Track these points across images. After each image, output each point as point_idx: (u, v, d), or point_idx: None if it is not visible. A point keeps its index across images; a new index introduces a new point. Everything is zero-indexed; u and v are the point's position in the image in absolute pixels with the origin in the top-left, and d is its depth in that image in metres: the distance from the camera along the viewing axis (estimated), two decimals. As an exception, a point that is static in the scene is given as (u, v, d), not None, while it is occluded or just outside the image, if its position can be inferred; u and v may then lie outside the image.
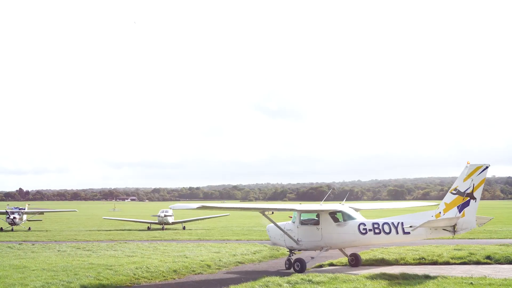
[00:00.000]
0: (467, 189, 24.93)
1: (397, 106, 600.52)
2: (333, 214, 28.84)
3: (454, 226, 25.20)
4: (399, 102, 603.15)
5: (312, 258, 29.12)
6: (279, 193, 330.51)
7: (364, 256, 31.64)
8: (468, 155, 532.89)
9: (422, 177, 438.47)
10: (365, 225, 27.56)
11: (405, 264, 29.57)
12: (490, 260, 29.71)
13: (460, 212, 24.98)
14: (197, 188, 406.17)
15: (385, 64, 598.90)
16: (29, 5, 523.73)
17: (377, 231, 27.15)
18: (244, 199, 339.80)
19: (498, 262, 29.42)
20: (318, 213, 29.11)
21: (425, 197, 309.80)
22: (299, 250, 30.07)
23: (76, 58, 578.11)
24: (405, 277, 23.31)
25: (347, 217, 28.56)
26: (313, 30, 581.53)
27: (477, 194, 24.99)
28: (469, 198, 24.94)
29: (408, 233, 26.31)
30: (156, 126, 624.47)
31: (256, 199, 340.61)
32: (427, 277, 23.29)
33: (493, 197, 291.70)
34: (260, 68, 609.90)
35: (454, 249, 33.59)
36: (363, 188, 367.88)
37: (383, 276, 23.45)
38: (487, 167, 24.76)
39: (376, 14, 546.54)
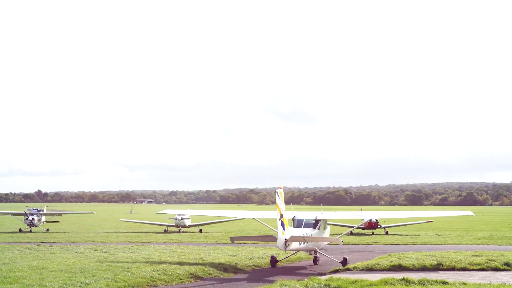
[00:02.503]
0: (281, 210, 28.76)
1: (414, 110, 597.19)
2: (293, 220, 33.02)
3: (286, 243, 28.45)
4: (417, 106, 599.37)
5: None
6: (295, 197, 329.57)
7: (382, 261, 31.52)
8: (486, 161, 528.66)
9: (440, 182, 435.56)
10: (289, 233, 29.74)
11: (423, 269, 29.33)
12: (509, 266, 29.38)
13: (284, 230, 28.45)
14: (214, 191, 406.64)
15: (402, 69, 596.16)
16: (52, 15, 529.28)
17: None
18: (261, 202, 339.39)
19: (517, 269, 29.08)
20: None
21: (443, 202, 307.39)
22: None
23: (93, 61, 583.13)
24: (422, 282, 23.12)
25: (296, 224, 32.68)
26: (326, 33, 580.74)
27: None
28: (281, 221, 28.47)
29: (289, 244, 29.07)
30: (172, 129, 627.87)
31: (273, 203, 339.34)
32: (445, 283, 23.05)
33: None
34: (273, 71, 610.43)
35: (473, 255, 33.28)
36: (380, 192, 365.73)
37: (400, 282, 23.29)
38: (277, 193, 29.18)
39: (392, 16, 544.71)
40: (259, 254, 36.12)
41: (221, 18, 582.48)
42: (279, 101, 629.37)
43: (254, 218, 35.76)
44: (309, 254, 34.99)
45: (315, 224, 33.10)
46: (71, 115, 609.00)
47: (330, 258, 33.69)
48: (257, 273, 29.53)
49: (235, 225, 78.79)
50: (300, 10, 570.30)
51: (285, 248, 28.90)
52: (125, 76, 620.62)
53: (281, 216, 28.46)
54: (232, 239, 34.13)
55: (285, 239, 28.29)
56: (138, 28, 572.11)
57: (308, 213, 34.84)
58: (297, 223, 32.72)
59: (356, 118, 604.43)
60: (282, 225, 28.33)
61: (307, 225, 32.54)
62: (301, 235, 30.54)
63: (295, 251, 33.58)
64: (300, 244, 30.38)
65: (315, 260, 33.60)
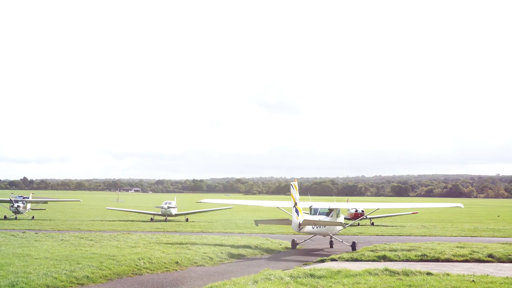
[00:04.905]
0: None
1: (401, 102, 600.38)
2: (310, 209, 38.09)
3: (300, 226, 33.89)
4: (403, 98, 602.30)
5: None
6: (282, 187, 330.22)
7: (366, 251, 31.75)
8: (472, 153, 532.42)
9: (426, 174, 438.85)
10: (302, 217, 34.68)
11: (407, 260, 29.52)
12: (492, 258, 29.66)
13: (298, 216, 33.97)
14: (201, 181, 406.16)
15: (389, 61, 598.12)
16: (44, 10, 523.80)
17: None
18: (248, 192, 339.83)
19: (500, 260, 29.39)
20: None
21: (429, 194, 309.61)
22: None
23: (81, 53, 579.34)
24: (406, 273, 23.25)
25: (312, 212, 37.42)
26: (311, 23, 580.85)
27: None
28: (295, 208, 33.93)
29: (303, 227, 34.31)
30: (158, 118, 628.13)
31: (260, 192, 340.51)
32: (429, 274, 23.18)
33: (497, 196, 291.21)
34: (258, 62, 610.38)
35: (457, 247, 33.53)
36: (366, 184, 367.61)
37: (385, 272, 23.41)
38: (292, 185, 34.21)
39: (379, 8, 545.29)
40: (244, 243, 36.23)
41: (208, 11, 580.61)
42: (264, 92, 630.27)
43: (278, 207, 40.84)
44: (324, 237, 39.50)
45: (328, 213, 37.40)
46: (58, 102, 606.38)
47: (341, 241, 37.82)
48: (243, 263, 29.58)
49: (221, 215, 78.84)
50: (285, 2, 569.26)
51: (299, 230, 34.16)
52: (113, 65, 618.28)
53: (295, 204, 33.76)
54: (256, 222, 38.59)
55: (299, 222, 33.60)
56: (125, 20, 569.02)
57: (322, 203, 39.41)
58: (313, 212, 37.46)
59: (343, 110, 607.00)
60: (296, 211, 33.80)
61: (321, 213, 37.19)
62: (312, 219, 35.11)
63: (312, 235, 38.26)
64: (313, 227, 35.30)
65: (331, 244, 38.08)
